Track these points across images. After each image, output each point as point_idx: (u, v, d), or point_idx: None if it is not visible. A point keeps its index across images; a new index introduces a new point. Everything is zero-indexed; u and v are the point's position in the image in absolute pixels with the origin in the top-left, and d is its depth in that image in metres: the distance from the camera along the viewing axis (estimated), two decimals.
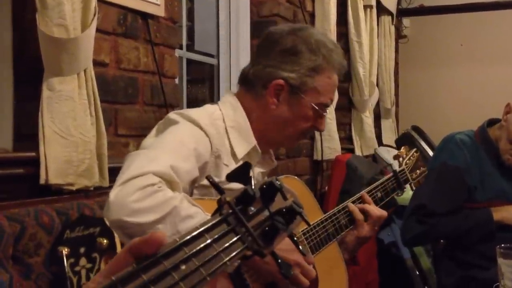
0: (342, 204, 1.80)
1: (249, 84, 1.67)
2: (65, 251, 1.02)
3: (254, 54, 1.73)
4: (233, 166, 1.59)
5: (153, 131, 1.58)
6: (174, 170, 1.39)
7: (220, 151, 1.56)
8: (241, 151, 1.62)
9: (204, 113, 1.59)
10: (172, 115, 1.57)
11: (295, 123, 1.66)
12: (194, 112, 1.57)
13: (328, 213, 1.76)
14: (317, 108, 1.64)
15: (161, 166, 1.37)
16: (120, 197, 1.30)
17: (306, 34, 1.65)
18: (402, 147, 2.08)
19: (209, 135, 1.54)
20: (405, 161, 2.02)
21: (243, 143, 1.63)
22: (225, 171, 1.56)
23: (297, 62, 1.61)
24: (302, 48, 1.62)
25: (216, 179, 1.55)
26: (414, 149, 2.11)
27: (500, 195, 2.38)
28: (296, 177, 1.77)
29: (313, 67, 1.62)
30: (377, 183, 1.90)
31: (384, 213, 1.81)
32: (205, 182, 1.53)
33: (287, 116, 1.64)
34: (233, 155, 1.61)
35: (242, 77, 1.70)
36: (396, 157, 2.02)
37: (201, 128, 1.53)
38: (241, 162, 1.60)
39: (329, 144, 3.71)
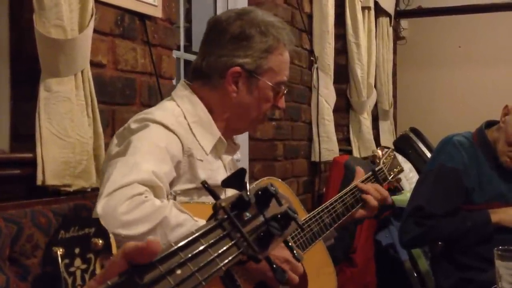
0: (325, 203, 1.82)
1: (204, 76, 1.67)
2: (59, 251, 1.01)
3: (203, 45, 1.72)
4: (205, 159, 1.60)
5: (114, 139, 1.57)
6: (156, 175, 1.40)
7: (192, 149, 1.57)
8: (208, 145, 1.63)
9: (166, 113, 1.59)
10: (138, 120, 1.56)
11: (257, 106, 1.68)
12: (158, 114, 1.56)
13: (312, 212, 1.78)
14: (275, 87, 1.67)
15: (144, 173, 1.37)
16: (108, 209, 1.29)
17: (252, 17, 1.66)
18: (378, 148, 2.13)
19: (179, 135, 1.55)
20: (382, 160, 2.05)
21: (208, 136, 1.64)
22: (201, 166, 1.58)
23: (249, 47, 1.63)
24: (252, 31, 1.63)
25: (191, 185, 1.54)
26: (390, 149, 2.14)
27: (498, 197, 2.38)
28: (279, 179, 1.80)
29: (265, 48, 1.64)
30: (354, 183, 1.91)
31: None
32: (185, 186, 1.54)
33: (248, 101, 1.66)
34: (202, 149, 1.61)
35: (195, 70, 1.70)
36: (373, 157, 2.06)
37: (169, 129, 1.53)
38: (210, 156, 1.61)
39: (327, 145, 3.70)
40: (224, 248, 0.62)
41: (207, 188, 0.66)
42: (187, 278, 0.58)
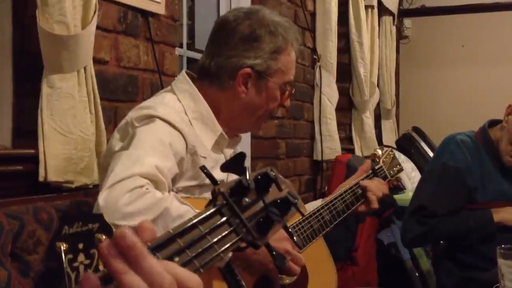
0: (326, 201, 1.83)
1: (213, 77, 1.66)
2: (63, 246, 1.01)
3: (210, 44, 1.71)
4: (209, 156, 1.60)
5: (116, 134, 1.57)
6: (159, 170, 1.40)
7: (196, 147, 1.57)
8: (209, 141, 1.63)
9: (170, 109, 1.58)
10: (141, 116, 1.54)
11: (265, 106, 1.68)
12: (162, 110, 1.55)
13: (313, 209, 1.79)
14: (282, 87, 1.68)
15: (146, 167, 1.38)
16: (109, 201, 1.30)
17: (260, 16, 1.66)
18: (378, 147, 2.14)
19: (183, 133, 1.54)
20: (382, 159, 2.07)
21: (209, 133, 1.63)
22: (204, 163, 1.56)
23: (259, 48, 1.63)
24: (261, 32, 1.63)
25: (193, 182, 1.54)
26: (390, 148, 2.16)
27: (501, 196, 2.37)
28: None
29: (275, 49, 1.64)
30: (355, 181, 1.92)
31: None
32: (187, 183, 1.55)
33: (257, 101, 1.67)
34: (204, 146, 1.62)
35: (203, 70, 1.69)
36: (372, 156, 2.07)
37: (174, 126, 1.53)
38: (211, 153, 1.61)
39: (329, 144, 3.70)
40: (223, 234, 0.61)
41: (205, 172, 0.65)
42: (185, 265, 0.57)
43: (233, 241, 0.62)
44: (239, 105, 1.66)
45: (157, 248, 0.57)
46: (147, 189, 1.33)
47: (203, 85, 1.68)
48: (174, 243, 0.58)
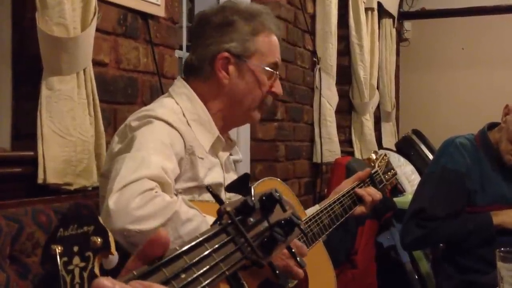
0: (325, 205, 1.84)
1: (196, 70, 1.67)
2: (58, 249, 1.01)
3: (191, 41, 1.73)
4: (205, 157, 1.60)
5: (115, 138, 1.57)
6: (164, 171, 1.40)
7: (194, 147, 1.57)
8: (206, 143, 1.62)
9: (167, 110, 1.59)
10: (139, 117, 1.54)
11: (252, 91, 1.66)
12: (160, 111, 1.56)
13: (312, 213, 1.79)
14: (267, 69, 1.66)
15: (153, 169, 1.37)
16: (121, 203, 1.29)
17: (235, 6, 1.67)
18: (372, 152, 2.17)
19: (181, 133, 1.54)
20: (377, 163, 2.10)
21: (207, 135, 1.63)
22: (201, 164, 1.58)
23: (234, 31, 1.64)
24: (235, 18, 1.64)
25: (192, 183, 1.54)
26: (384, 153, 2.19)
27: (500, 199, 2.37)
28: (278, 179, 1.80)
29: (250, 31, 1.64)
30: (351, 186, 1.94)
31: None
32: (186, 185, 1.55)
33: (241, 87, 1.66)
34: (202, 147, 1.61)
35: (187, 66, 1.70)
36: (368, 161, 2.09)
37: (172, 126, 1.53)
38: (208, 154, 1.61)
39: (328, 146, 3.70)
40: (228, 253, 0.62)
41: (211, 192, 0.66)
42: (191, 282, 0.58)
43: (238, 259, 0.63)
44: (225, 93, 1.65)
45: (165, 264, 0.57)
46: (156, 192, 1.32)
47: (191, 81, 1.68)
48: (181, 260, 0.58)
